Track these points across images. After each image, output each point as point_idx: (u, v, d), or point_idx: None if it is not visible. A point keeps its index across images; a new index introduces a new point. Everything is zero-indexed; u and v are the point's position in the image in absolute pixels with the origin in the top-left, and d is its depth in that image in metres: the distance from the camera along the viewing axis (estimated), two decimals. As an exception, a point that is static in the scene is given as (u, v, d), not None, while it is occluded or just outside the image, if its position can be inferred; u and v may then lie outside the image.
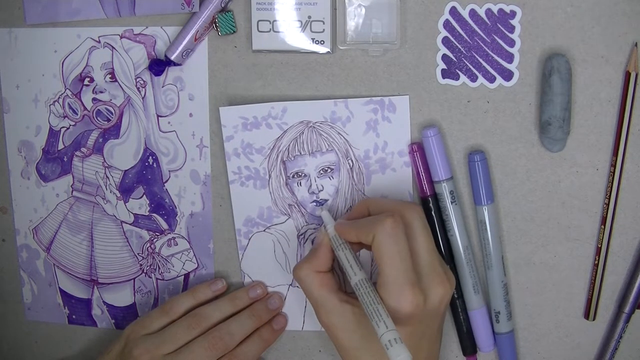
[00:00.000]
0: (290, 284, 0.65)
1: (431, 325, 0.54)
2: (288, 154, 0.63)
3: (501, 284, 0.60)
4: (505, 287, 0.61)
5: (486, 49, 0.59)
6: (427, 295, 0.53)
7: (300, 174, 0.63)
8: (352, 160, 0.62)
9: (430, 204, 0.60)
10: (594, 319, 0.61)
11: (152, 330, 0.62)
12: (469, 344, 0.62)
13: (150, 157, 0.66)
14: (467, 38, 0.59)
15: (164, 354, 0.60)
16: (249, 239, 0.65)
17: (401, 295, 0.52)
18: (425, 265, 0.54)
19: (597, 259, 0.60)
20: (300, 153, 0.62)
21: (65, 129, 0.67)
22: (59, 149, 0.67)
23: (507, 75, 0.59)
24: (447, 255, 0.61)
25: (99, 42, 0.65)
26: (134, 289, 0.68)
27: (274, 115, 0.62)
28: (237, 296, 0.64)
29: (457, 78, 0.60)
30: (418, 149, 0.60)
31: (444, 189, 0.59)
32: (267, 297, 0.65)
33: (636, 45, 0.57)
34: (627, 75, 0.57)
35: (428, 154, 0.59)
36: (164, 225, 0.66)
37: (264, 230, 0.64)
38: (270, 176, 0.63)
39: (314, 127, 0.62)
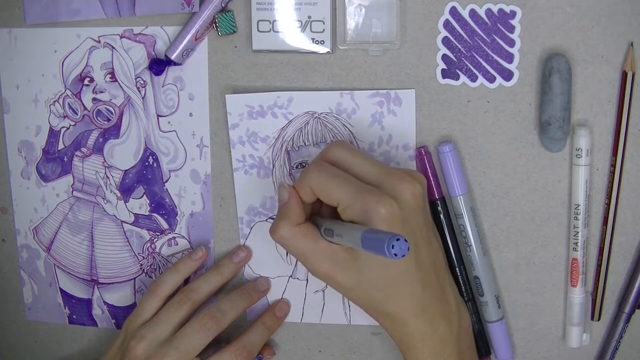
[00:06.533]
0: (291, 276, 0.65)
1: (419, 223, 0.54)
2: (292, 144, 0.62)
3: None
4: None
5: (486, 49, 0.59)
6: (395, 194, 0.52)
7: (304, 164, 0.63)
8: None
9: (439, 207, 0.60)
10: (599, 319, 0.61)
11: (148, 317, 0.62)
12: (481, 344, 0.61)
13: (151, 157, 0.66)
14: (467, 38, 0.59)
15: (161, 339, 0.60)
16: (251, 228, 0.65)
17: (367, 203, 0.51)
18: (377, 174, 0.53)
19: (600, 259, 0.60)
20: (305, 143, 0.62)
21: (65, 129, 0.67)
22: (59, 149, 0.67)
23: (507, 75, 0.59)
24: (458, 261, 0.60)
25: (99, 42, 0.65)
26: (135, 289, 0.68)
27: (279, 105, 0.62)
28: (221, 264, 0.64)
29: (457, 78, 0.60)
30: (426, 154, 0.60)
31: (461, 204, 0.59)
32: (255, 279, 0.65)
33: (632, 44, 0.57)
34: (624, 74, 0.57)
35: (444, 169, 0.59)
36: (165, 225, 0.66)
37: (266, 220, 0.64)
38: (274, 166, 0.63)
39: (319, 117, 0.62)
